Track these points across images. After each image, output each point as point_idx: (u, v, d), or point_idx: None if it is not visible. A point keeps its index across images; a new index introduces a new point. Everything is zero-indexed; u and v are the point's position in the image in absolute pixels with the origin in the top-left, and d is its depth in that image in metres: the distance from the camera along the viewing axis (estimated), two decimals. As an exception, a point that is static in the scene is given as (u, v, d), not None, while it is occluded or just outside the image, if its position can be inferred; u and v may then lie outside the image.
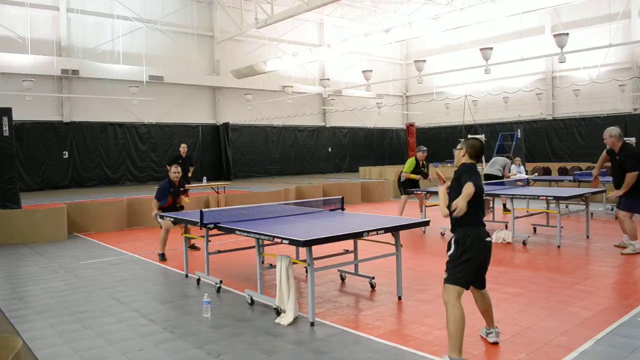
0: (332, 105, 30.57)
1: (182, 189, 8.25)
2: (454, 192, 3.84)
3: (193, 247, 8.31)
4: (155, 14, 24.37)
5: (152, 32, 24.34)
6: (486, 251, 3.79)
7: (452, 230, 3.86)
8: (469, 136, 3.97)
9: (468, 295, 3.88)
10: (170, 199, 8.00)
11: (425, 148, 10.72)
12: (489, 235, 3.81)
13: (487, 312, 4.04)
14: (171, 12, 24.91)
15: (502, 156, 12.52)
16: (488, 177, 11.57)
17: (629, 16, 24.52)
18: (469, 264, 3.68)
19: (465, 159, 3.94)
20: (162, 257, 7.72)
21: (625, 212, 7.26)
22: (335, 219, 5.76)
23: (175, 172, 8.02)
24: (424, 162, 10.64)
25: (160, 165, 24.27)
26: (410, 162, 10.67)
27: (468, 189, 3.66)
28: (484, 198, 3.97)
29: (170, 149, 24.82)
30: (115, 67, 22.65)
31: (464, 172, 3.85)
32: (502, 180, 10.99)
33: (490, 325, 4.08)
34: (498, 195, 8.98)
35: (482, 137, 22.30)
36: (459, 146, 4.04)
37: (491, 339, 4.01)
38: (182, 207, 8.28)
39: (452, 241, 3.80)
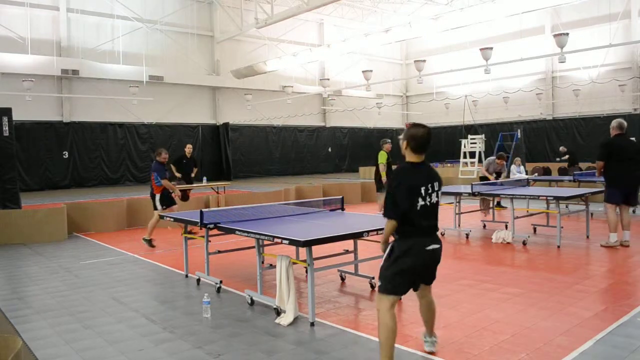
0: (332, 105, 30.55)
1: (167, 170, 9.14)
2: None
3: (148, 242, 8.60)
4: (155, 14, 24.37)
5: (152, 32, 24.34)
6: (423, 259, 3.44)
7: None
8: (413, 123, 3.52)
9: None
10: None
11: (389, 140, 10.57)
12: (432, 243, 3.47)
13: (427, 321, 3.83)
14: (171, 12, 24.91)
15: (494, 155, 12.53)
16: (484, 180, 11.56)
17: (629, 16, 24.52)
18: (402, 273, 3.43)
19: (409, 154, 3.48)
20: (149, 243, 8.45)
21: (608, 203, 7.51)
22: (335, 219, 5.76)
23: (165, 157, 8.93)
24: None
25: (160, 165, 24.27)
26: (383, 155, 10.33)
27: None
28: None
29: (170, 149, 24.60)
30: (115, 67, 22.66)
31: (393, 178, 3.53)
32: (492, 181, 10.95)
33: (429, 334, 3.86)
34: (498, 195, 8.97)
35: (482, 137, 22.30)
36: (401, 135, 3.53)
37: (426, 348, 3.83)
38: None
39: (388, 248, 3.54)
